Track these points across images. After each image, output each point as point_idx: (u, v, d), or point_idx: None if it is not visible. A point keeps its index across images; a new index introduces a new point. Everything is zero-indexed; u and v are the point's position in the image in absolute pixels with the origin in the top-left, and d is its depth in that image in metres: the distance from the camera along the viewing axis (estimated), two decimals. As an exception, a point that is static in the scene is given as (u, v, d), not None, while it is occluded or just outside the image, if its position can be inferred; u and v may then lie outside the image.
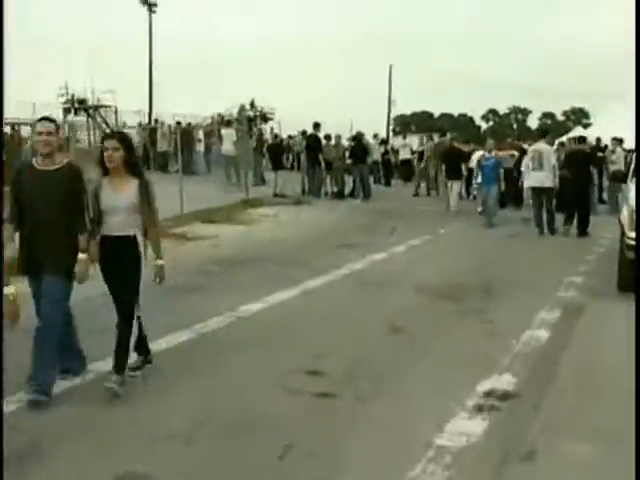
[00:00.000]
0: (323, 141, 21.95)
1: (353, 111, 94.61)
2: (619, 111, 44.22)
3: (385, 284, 9.38)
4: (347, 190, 22.15)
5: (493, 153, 16.25)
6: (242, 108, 55.71)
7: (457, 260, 11.48)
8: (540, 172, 14.50)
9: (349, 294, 8.91)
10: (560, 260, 11.56)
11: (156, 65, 49.47)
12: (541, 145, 15.25)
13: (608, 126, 28.85)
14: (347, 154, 22.30)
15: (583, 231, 14.31)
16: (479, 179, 16.17)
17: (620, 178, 10.09)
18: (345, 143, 23.88)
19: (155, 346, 6.18)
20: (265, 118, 53.96)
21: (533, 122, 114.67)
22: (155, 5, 49.16)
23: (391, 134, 63.71)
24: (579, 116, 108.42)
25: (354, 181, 21.99)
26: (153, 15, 49.06)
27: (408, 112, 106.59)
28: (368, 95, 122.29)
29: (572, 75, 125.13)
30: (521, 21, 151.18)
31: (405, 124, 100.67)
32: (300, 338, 6.92)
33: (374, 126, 49.02)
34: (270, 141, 26.95)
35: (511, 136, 53.55)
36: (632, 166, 9.78)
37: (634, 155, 10.05)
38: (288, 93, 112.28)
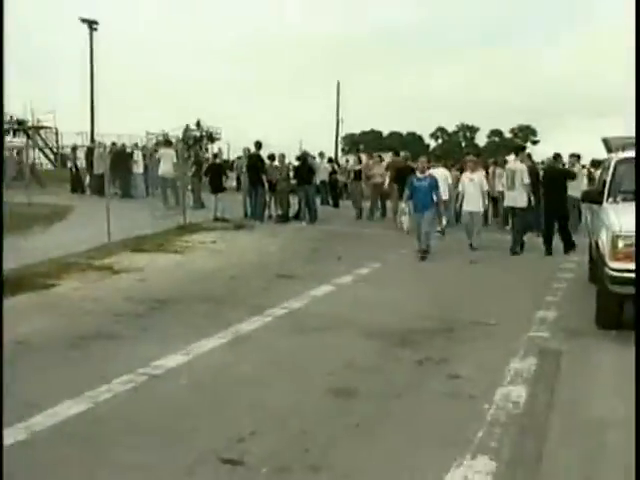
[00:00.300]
0: (267, 161, 20.67)
1: (302, 130, 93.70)
2: (568, 127, 44.42)
3: (329, 328, 7.98)
4: (292, 212, 20.83)
5: (427, 172, 14.62)
6: (187, 128, 54.55)
7: (412, 293, 10.20)
8: (513, 191, 14.47)
9: (285, 343, 7.49)
10: (526, 289, 10.37)
11: (100, 84, 47.75)
12: (516, 164, 15.06)
13: (557, 142, 29.25)
14: (292, 174, 21.08)
15: (569, 249, 14.34)
16: (409, 203, 14.85)
17: (593, 198, 8.88)
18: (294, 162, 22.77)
19: (29, 425, 4.76)
20: (212, 138, 52.76)
21: (481, 140, 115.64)
22: (96, 23, 47.41)
23: (340, 153, 62.80)
24: (526, 133, 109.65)
25: (299, 203, 20.68)
26: (94, 33, 47.32)
27: (357, 131, 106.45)
28: (318, 113, 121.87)
29: (520, 93, 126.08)
30: (471, 39, 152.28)
31: (354, 143, 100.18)
32: (218, 409, 5.49)
33: (324, 145, 48.15)
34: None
35: (458, 154, 52.81)
36: (608, 183, 8.60)
37: (610, 171, 8.87)
38: (237, 112, 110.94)
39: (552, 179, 14.84)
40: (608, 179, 8.72)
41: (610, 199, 8.39)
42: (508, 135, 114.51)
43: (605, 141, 11.01)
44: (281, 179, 20.10)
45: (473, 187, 15.16)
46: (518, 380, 6.10)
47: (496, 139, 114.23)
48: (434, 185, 13.98)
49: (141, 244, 14.39)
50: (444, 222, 17.69)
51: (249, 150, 21.52)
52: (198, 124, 53.47)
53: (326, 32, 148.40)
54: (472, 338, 7.53)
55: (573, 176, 15.60)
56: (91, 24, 46.96)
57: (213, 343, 7.31)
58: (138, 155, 29.47)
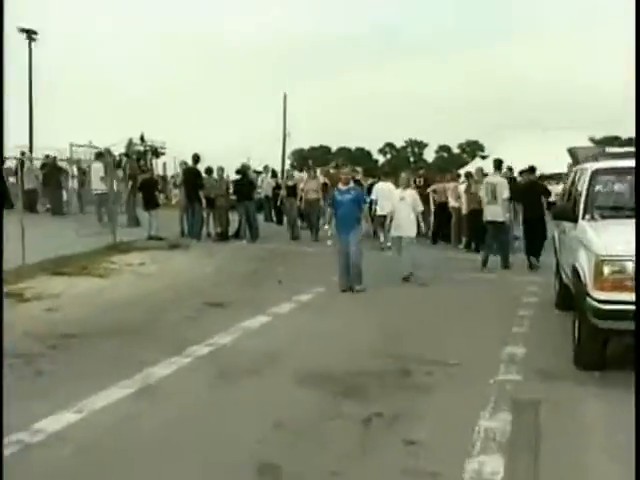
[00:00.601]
0: (205, 175, 19.30)
1: (251, 144, 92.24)
2: (518, 141, 43.83)
3: (258, 372, 6.60)
4: (232, 230, 19.45)
5: (351, 184, 12.19)
6: (130, 142, 52.77)
7: (358, 323, 8.91)
8: (494, 206, 13.92)
9: (203, 395, 6.07)
10: (488, 317, 9.17)
11: (40, 97, 45.63)
12: (495, 177, 14.66)
13: (505, 157, 28.47)
14: (232, 189, 19.72)
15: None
16: (331, 223, 12.29)
17: (566, 215, 7.68)
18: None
19: None
20: (157, 153, 51.07)
21: (430, 155, 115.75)
22: (35, 33, 45.34)
23: (288, 168, 61.41)
24: (474, 148, 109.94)
25: (239, 220, 19.27)
26: (33, 44, 45.23)
27: (306, 147, 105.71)
28: (268, 127, 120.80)
29: (468, 108, 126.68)
30: (421, 56, 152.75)
31: (303, 158, 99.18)
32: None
33: (273, 160, 46.93)
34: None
35: (407, 169, 51.80)
36: (584, 198, 7.41)
37: (584, 184, 7.69)
38: (183, 126, 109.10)
39: (528, 193, 14.54)
40: (583, 193, 7.52)
41: (587, 216, 7.20)
42: (456, 150, 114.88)
43: (572, 152, 9.93)
44: (219, 195, 18.70)
45: (404, 207, 12.68)
46: (491, 446, 4.81)
47: (444, 154, 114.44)
48: (360, 198, 11.84)
49: (62, 266, 12.84)
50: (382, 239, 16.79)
51: (186, 164, 20.12)
52: (142, 138, 51.84)
53: (272, 44, 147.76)
54: (430, 385, 6.24)
55: (547, 193, 15.05)
56: (30, 34, 44.95)
57: (115, 395, 5.93)
58: (72, 169, 27.76)
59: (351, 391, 6.06)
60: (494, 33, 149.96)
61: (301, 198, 19.89)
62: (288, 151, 70.18)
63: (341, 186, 11.78)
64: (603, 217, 7.05)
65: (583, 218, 7.26)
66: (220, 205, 18.75)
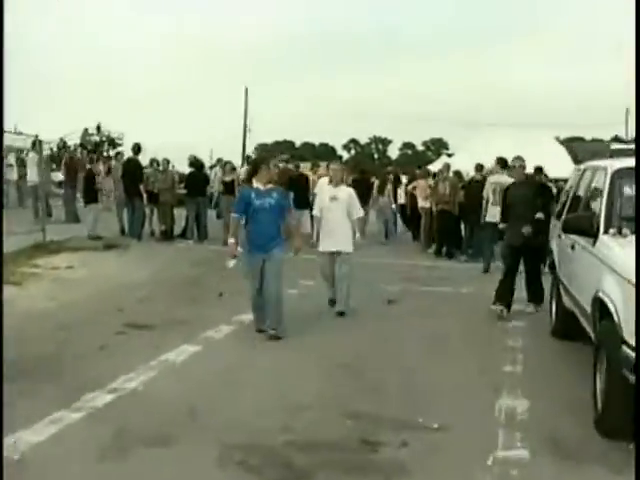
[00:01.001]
0: (149, 169, 17.40)
1: (213, 138, 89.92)
2: (483, 139, 42.42)
3: (167, 441, 4.72)
4: (179, 229, 17.54)
5: (270, 185, 8.12)
6: (85, 132, 50.46)
7: (310, 362, 7.01)
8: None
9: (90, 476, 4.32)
10: (473, 351, 7.40)
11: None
12: (502, 177, 13.14)
13: (471, 154, 27.62)
14: (183, 184, 17.85)
15: (539, 299, 9.59)
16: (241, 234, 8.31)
17: (583, 228, 5.85)
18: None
19: None
20: (113, 144, 48.92)
21: (394, 152, 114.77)
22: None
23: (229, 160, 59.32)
24: (438, 146, 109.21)
25: (187, 218, 17.31)
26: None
27: (269, 141, 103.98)
28: (230, 121, 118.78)
29: (431, 105, 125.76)
30: (382, 51, 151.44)
31: (267, 153, 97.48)
32: None
33: (234, 156, 45.25)
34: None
35: (371, 166, 49.96)
36: (605, 206, 5.67)
37: (604, 187, 5.95)
38: (145, 118, 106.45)
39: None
40: (603, 200, 5.80)
41: (612, 230, 5.49)
42: (420, 148, 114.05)
43: (570, 148, 8.24)
44: (163, 189, 16.75)
45: (337, 210, 9.17)
46: None
47: (409, 152, 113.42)
48: (284, 203, 8.30)
49: (-26, 269, 10.90)
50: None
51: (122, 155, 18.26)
52: (98, 128, 49.69)
53: (237, 40, 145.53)
54: (405, 466, 4.47)
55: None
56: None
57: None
58: (11, 159, 25.58)
59: (288, 472, 4.29)
60: (453, 34, 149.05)
61: None
62: (252, 145, 68.11)
63: (259, 185, 7.94)
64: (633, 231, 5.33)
65: (606, 232, 5.54)
66: (164, 201, 16.80)
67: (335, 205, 9.17)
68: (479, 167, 15.85)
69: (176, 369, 6.55)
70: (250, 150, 65.89)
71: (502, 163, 13.64)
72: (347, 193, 9.34)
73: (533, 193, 9.46)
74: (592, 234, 5.70)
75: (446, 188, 15.79)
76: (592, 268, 5.57)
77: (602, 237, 5.55)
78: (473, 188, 15.23)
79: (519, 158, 9.68)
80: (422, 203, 17.08)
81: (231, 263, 8.06)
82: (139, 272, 12.19)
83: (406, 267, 13.83)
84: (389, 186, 19.16)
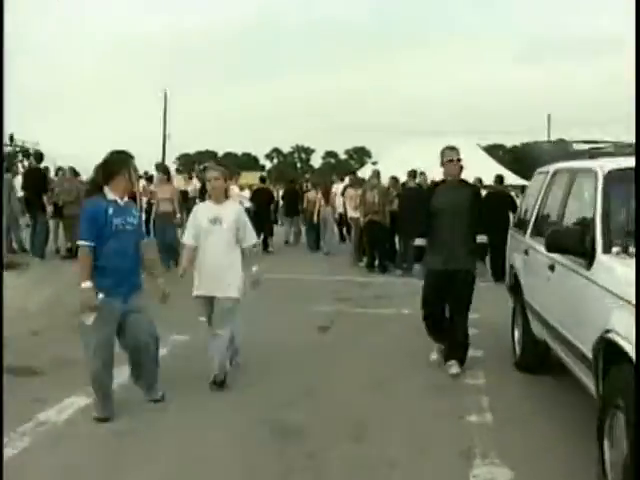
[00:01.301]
0: (54, 178, 15.79)
1: (131, 147, 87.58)
2: (405, 146, 41.79)
3: None
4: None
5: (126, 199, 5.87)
6: (-3, 142, 48.00)
7: (212, 463, 5.77)
8: None
9: None
10: (427, 394, 6.20)
11: None
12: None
13: (394, 162, 27.57)
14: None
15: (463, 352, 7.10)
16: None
17: (572, 248, 4.54)
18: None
19: None
20: (28, 155, 46.71)
21: (317, 161, 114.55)
22: None
23: (174, 173, 57.55)
24: (361, 155, 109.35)
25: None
26: None
27: (192, 151, 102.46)
28: (150, 128, 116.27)
29: (356, 113, 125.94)
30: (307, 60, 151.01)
31: (190, 163, 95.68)
32: None
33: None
34: None
35: (293, 175, 48.67)
36: (600, 218, 4.45)
37: (597, 195, 4.75)
38: (62, 126, 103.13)
39: (496, 206, 12.37)
40: (597, 211, 4.60)
41: (615, 248, 4.29)
42: (343, 156, 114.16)
43: (528, 147, 7.12)
44: (68, 202, 15.10)
45: (219, 236, 6.42)
46: None
47: (331, 160, 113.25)
48: (141, 226, 6.48)
49: None
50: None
51: (61, 169, 16.57)
52: (11, 138, 47.31)
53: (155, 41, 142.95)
54: None
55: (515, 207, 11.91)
56: None
57: None
58: None
59: None
60: (368, 39, 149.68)
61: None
62: (174, 156, 66.36)
63: (115, 197, 5.61)
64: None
65: (606, 251, 4.35)
66: (70, 214, 15.14)
67: (217, 229, 6.43)
68: (412, 174, 14.87)
69: (47, 444, 5.02)
70: (171, 160, 64.15)
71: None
72: (234, 212, 6.57)
73: (470, 202, 6.84)
74: (586, 253, 4.49)
75: (375, 197, 14.67)
76: (590, 298, 4.35)
77: (601, 258, 4.35)
78: (406, 197, 14.21)
79: (453, 149, 6.96)
80: (352, 213, 15.98)
81: (90, 319, 5.59)
82: (34, 298, 10.57)
83: (339, 284, 12.66)
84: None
